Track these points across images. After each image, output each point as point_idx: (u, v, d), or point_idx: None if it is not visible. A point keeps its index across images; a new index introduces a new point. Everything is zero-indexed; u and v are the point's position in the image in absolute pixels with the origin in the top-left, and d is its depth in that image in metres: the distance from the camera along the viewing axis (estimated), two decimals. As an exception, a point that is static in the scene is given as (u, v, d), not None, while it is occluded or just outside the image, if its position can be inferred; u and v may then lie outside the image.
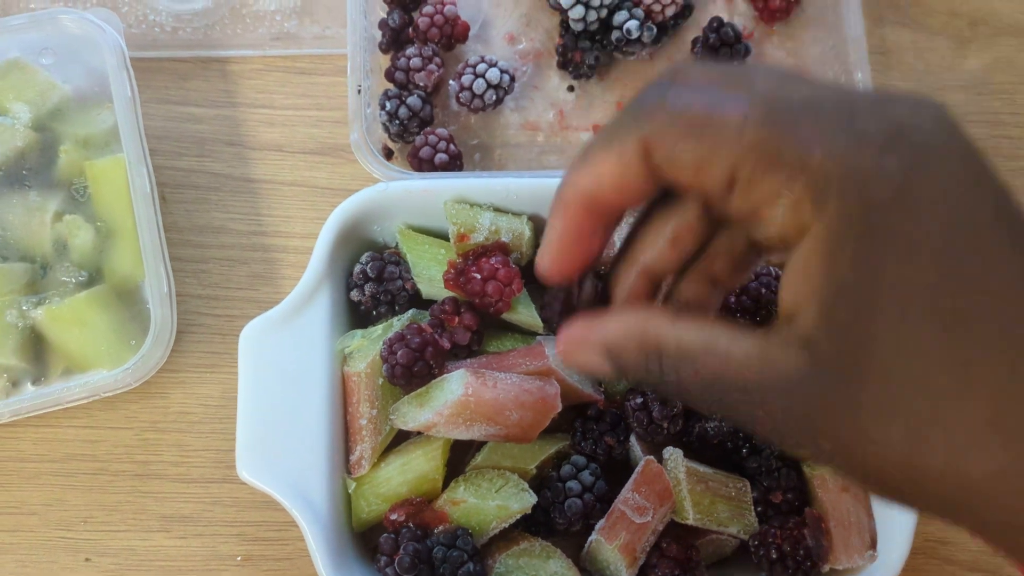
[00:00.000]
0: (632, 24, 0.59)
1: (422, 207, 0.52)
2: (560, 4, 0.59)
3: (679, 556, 0.48)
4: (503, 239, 0.50)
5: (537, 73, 0.62)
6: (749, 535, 0.48)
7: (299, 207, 0.59)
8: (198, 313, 0.57)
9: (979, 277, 0.24)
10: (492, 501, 0.47)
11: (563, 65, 0.61)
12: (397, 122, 0.57)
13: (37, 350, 0.52)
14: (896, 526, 0.47)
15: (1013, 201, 0.26)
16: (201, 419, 0.55)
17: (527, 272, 0.50)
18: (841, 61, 0.59)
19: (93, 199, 0.55)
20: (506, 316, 0.51)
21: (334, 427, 0.48)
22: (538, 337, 0.51)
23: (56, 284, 0.53)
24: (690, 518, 0.47)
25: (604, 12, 0.59)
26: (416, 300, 0.52)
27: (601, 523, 0.48)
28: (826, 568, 0.48)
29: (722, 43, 0.60)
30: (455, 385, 0.46)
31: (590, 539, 0.48)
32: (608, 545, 0.47)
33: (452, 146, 0.57)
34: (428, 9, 0.59)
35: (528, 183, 0.51)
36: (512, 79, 0.60)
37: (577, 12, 0.58)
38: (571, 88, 0.62)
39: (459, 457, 0.50)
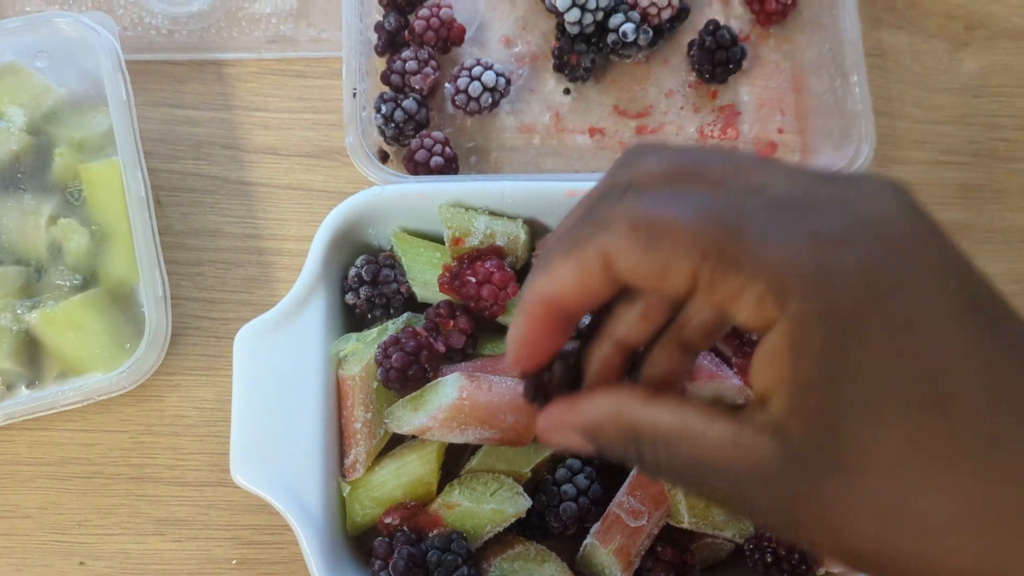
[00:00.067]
0: (628, 27, 0.59)
1: (417, 210, 0.52)
2: (556, 7, 0.58)
3: (674, 560, 0.47)
4: (498, 243, 0.50)
5: (533, 76, 0.62)
6: (744, 539, 0.48)
7: (295, 210, 0.59)
8: (193, 316, 0.57)
9: (945, 369, 0.24)
10: (487, 505, 0.47)
11: (559, 68, 0.61)
12: (393, 125, 0.57)
13: (32, 354, 0.52)
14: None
15: (978, 280, 0.26)
16: (196, 422, 0.55)
17: (522, 276, 0.50)
18: (837, 64, 0.59)
19: (88, 202, 0.55)
20: (501, 320, 0.50)
21: (328, 431, 0.48)
22: None
23: (51, 287, 0.53)
24: (685, 522, 0.47)
25: (600, 15, 0.59)
26: (411, 304, 0.52)
27: (596, 527, 0.48)
28: (821, 571, 0.48)
29: (718, 46, 0.60)
30: (450, 389, 0.46)
31: (585, 543, 0.48)
32: (603, 549, 0.47)
33: (448, 149, 0.57)
34: (424, 12, 0.59)
35: (523, 187, 0.51)
36: (508, 82, 0.60)
37: (573, 15, 0.58)
38: (567, 91, 0.62)
39: (454, 461, 0.50)
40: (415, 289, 0.51)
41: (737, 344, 0.49)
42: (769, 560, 0.47)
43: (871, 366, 0.25)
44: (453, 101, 0.59)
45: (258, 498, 0.46)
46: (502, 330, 0.52)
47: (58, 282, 0.53)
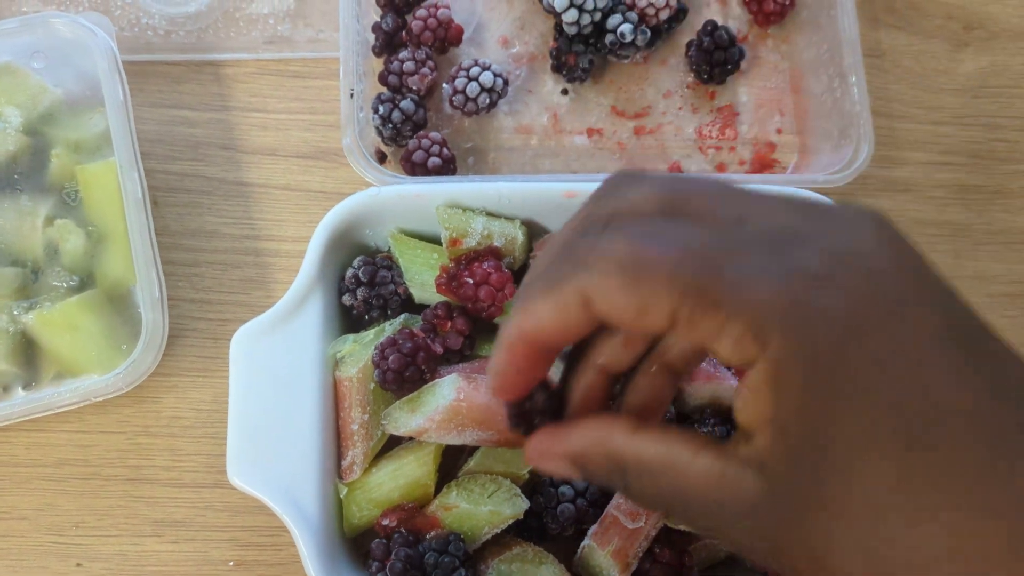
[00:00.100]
0: (626, 27, 0.59)
1: (414, 211, 0.52)
2: (554, 7, 0.58)
3: (672, 561, 0.47)
4: (496, 244, 0.50)
5: (531, 76, 0.62)
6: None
7: (292, 211, 0.59)
8: (190, 317, 0.57)
9: (929, 407, 0.24)
10: (484, 506, 0.47)
11: (557, 68, 0.61)
12: (390, 126, 0.57)
13: (28, 355, 0.52)
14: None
15: (961, 312, 0.26)
16: (193, 423, 0.55)
17: (519, 277, 0.49)
18: (836, 64, 0.59)
19: (84, 203, 0.54)
20: (498, 321, 0.50)
21: (325, 432, 0.48)
22: None
23: (47, 289, 0.53)
24: (683, 523, 0.47)
25: (598, 15, 0.59)
26: (408, 305, 0.52)
27: (594, 528, 0.48)
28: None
29: (716, 46, 0.60)
30: (447, 390, 0.46)
31: (583, 544, 0.48)
32: (601, 551, 0.47)
33: (445, 150, 0.57)
34: (421, 12, 0.59)
35: (520, 187, 0.51)
36: (506, 83, 0.59)
37: (571, 15, 0.58)
38: (565, 91, 0.62)
39: (451, 462, 0.50)
40: (412, 290, 0.51)
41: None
42: (767, 562, 0.47)
43: (853, 406, 0.25)
44: (451, 102, 0.59)
45: (255, 499, 0.46)
46: (499, 331, 0.52)
47: (55, 283, 0.53)
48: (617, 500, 0.48)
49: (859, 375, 0.25)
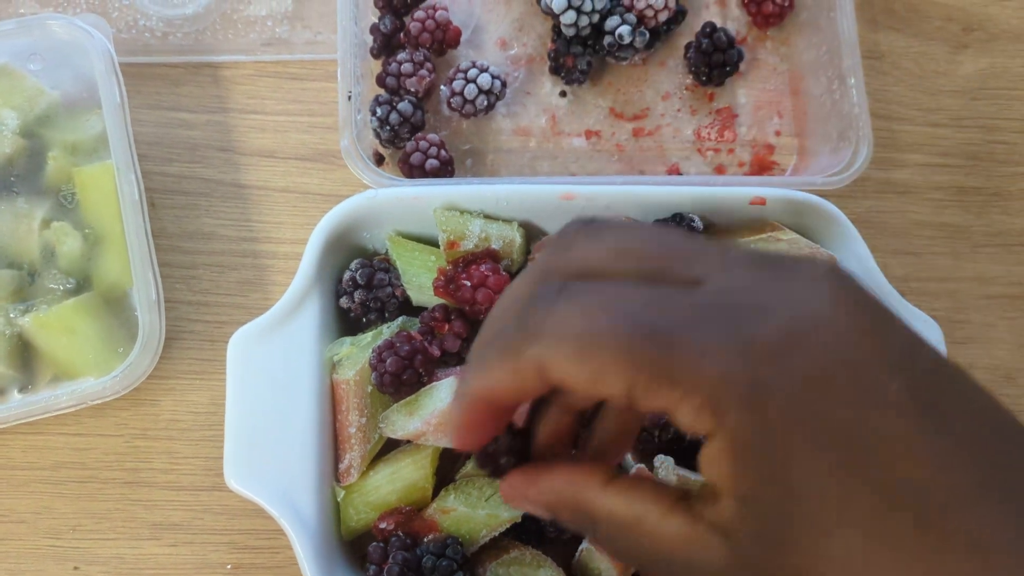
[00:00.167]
0: (624, 29, 0.59)
1: (412, 214, 0.52)
2: (552, 9, 0.58)
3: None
4: (493, 246, 0.50)
5: (529, 78, 0.62)
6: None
7: (290, 213, 0.59)
8: (188, 320, 0.57)
9: (893, 477, 0.24)
10: (482, 510, 0.47)
11: (555, 70, 0.61)
12: (388, 128, 0.57)
13: (24, 358, 0.52)
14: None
15: (925, 370, 0.26)
16: (191, 426, 0.55)
17: (517, 279, 0.49)
18: (835, 66, 0.58)
19: (81, 206, 0.54)
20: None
21: (323, 435, 0.48)
22: None
23: (44, 291, 0.53)
24: None
25: (596, 17, 0.59)
26: (406, 307, 0.52)
27: (592, 532, 0.47)
28: None
29: (715, 48, 0.60)
30: (444, 393, 0.46)
31: (581, 547, 0.48)
32: (599, 553, 0.47)
33: (443, 152, 0.57)
34: (420, 14, 0.59)
35: (519, 190, 0.51)
36: (504, 84, 0.59)
37: (569, 17, 0.58)
38: (563, 93, 0.62)
39: (449, 465, 0.50)
40: (410, 293, 0.51)
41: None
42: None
43: (815, 482, 0.24)
44: (449, 104, 0.59)
45: (253, 503, 0.46)
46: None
47: (51, 286, 0.53)
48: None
49: (819, 450, 0.24)
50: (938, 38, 0.65)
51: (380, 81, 0.59)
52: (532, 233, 0.53)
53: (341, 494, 0.48)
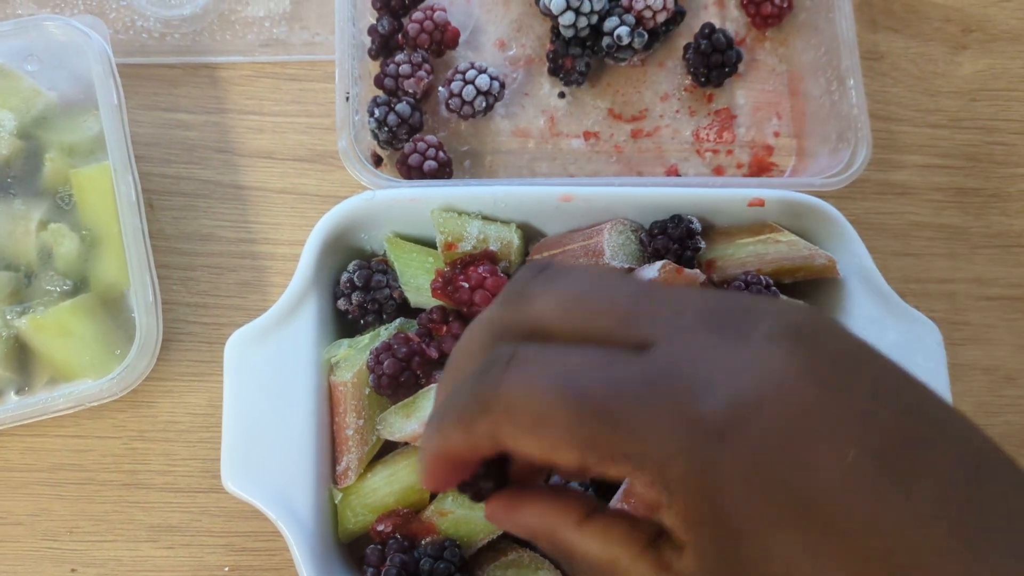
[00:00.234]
0: (623, 30, 0.58)
1: (409, 215, 0.51)
2: (551, 10, 0.58)
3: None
4: (491, 248, 0.50)
5: (528, 79, 0.62)
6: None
7: (288, 214, 0.59)
8: (186, 321, 0.57)
9: (857, 550, 0.23)
10: (480, 512, 0.47)
11: (554, 71, 0.61)
12: (386, 129, 0.57)
13: (21, 359, 0.52)
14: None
15: (887, 429, 0.25)
16: (189, 428, 0.55)
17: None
18: (834, 67, 0.58)
19: (78, 207, 0.54)
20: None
21: (320, 437, 0.48)
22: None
23: (41, 293, 0.52)
24: None
25: (595, 18, 0.59)
26: (404, 309, 0.52)
27: (590, 534, 0.47)
28: None
29: (714, 49, 0.60)
30: (442, 395, 0.46)
31: (579, 550, 0.48)
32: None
33: (442, 153, 0.57)
34: (418, 15, 0.59)
35: (517, 191, 0.51)
36: (502, 86, 0.59)
37: (568, 18, 0.58)
38: (562, 95, 0.62)
39: (447, 467, 0.50)
40: (408, 294, 0.51)
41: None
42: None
43: (770, 567, 0.24)
44: (447, 105, 0.59)
45: (251, 505, 0.46)
46: (495, 336, 0.52)
47: (48, 287, 0.52)
48: (613, 504, 0.47)
49: (775, 530, 0.24)
50: (937, 39, 0.65)
51: (378, 82, 0.59)
52: (530, 234, 0.53)
53: (339, 496, 0.48)
